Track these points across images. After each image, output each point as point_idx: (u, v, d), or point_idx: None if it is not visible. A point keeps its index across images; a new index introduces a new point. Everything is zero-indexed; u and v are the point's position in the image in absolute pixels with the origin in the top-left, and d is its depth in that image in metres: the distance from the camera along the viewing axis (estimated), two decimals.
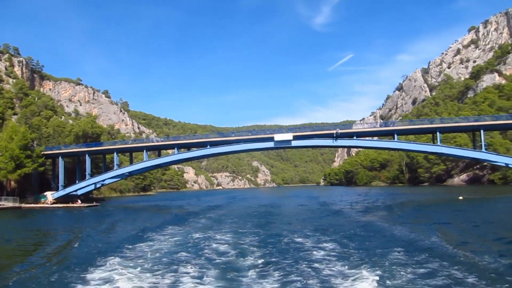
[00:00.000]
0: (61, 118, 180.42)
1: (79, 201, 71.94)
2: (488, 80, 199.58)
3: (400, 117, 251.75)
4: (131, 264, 17.93)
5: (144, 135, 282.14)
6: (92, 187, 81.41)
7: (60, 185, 79.05)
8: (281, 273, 15.92)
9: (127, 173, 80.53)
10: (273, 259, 18.37)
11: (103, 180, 79.42)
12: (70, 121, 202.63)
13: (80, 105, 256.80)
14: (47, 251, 23.60)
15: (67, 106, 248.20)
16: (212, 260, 18.48)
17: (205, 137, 78.53)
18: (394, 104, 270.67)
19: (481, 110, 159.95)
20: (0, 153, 73.22)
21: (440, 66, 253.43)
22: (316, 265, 16.96)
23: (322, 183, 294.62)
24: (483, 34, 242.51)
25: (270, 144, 70.90)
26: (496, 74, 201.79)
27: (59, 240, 28.99)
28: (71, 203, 71.40)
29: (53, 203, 74.14)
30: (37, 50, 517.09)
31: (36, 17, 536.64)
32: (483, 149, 62.23)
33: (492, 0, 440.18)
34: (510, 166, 64.70)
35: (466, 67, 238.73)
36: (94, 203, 75.10)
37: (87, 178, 78.16)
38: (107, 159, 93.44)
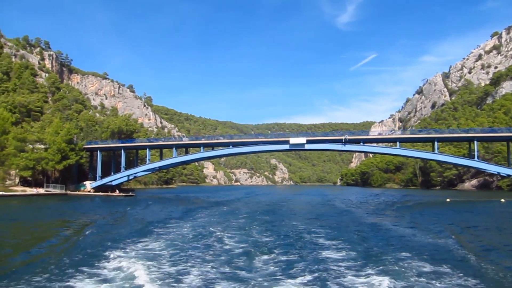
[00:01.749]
0: (89, 111, 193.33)
1: (117, 191, 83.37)
2: (508, 87, 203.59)
3: (419, 121, 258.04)
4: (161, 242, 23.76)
5: (166, 130, 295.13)
6: (126, 178, 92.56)
7: (97, 175, 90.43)
8: (281, 254, 20.14)
9: (157, 168, 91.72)
10: (275, 242, 26.55)
11: (136, 173, 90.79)
12: (97, 115, 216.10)
13: (106, 98, 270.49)
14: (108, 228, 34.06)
15: (93, 99, 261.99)
16: (228, 239, 28.43)
17: (228, 138, 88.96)
18: (414, 108, 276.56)
19: (495, 117, 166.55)
20: (48, 146, 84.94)
21: (461, 71, 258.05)
22: (309, 248, 26.64)
23: (338, 183, 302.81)
24: (506, 40, 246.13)
25: (286, 147, 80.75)
26: None
27: (110, 218, 39.43)
28: (110, 192, 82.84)
29: (91, 191, 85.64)
30: (63, 41, 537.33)
31: (62, 8, 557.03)
32: (476, 158, 70.95)
33: None
34: (501, 174, 73.08)
35: (487, 73, 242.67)
36: (130, 193, 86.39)
37: (122, 170, 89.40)
38: (138, 154, 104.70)
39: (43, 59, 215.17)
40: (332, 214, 42.80)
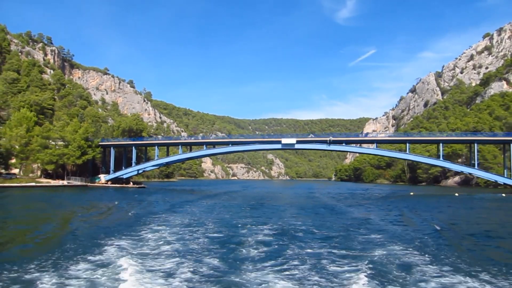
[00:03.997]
0: (92, 106, 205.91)
1: (131, 183, 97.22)
2: (496, 87, 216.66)
3: (412, 119, 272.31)
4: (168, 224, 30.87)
5: (165, 125, 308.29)
6: (135, 172, 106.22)
7: (111, 169, 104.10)
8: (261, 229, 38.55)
9: (165, 163, 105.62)
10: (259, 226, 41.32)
11: (145, 168, 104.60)
12: (100, 110, 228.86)
13: (107, 93, 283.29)
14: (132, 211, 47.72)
15: (94, 94, 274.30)
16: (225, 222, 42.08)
17: (228, 138, 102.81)
18: (407, 106, 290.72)
19: (480, 118, 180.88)
20: (68, 143, 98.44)
21: (453, 71, 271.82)
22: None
23: (333, 178, 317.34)
24: (497, 41, 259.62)
25: (278, 146, 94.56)
26: (504, 82, 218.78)
27: (125, 204, 53.08)
28: (125, 184, 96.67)
29: (108, 183, 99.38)
30: (62, 36, 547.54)
31: (60, 1, 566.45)
32: (441, 158, 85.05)
33: None
34: (464, 172, 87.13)
35: (478, 73, 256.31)
36: (142, 185, 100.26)
37: (133, 165, 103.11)
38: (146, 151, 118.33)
39: (45, 54, 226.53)
40: (308, 203, 56.71)
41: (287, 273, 16.19)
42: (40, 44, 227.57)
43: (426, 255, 19.46)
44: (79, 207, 43.96)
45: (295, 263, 17.75)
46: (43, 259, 17.82)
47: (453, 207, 50.60)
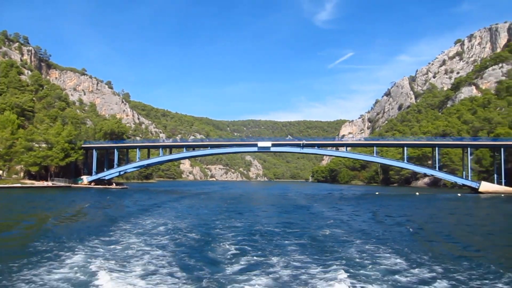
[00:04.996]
0: (71, 107, 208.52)
1: (114, 184, 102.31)
2: (466, 92, 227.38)
3: (386, 121, 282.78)
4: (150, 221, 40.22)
5: (143, 126, 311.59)
6: (117, 174, 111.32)
7: (93, 171, 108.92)
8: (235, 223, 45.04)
9: (146, 165, 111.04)
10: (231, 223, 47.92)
11: (127, 169, 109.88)
12: (78, 111, 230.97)
13: (84, 94, 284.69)
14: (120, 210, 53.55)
15: (71, 95, 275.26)
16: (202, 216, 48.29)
17: (207, 141, 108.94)
18: (382, 109, 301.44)
19: (449, 122, 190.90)
20: (51, 145, 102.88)
21: (426, 75, 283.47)
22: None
23: (310, 180, 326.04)
24: (468, 47, 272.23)
25: (255, 149, 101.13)
26: (473, 87, 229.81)
27: (119, 200, 58.85)
28: (108, 185, 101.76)
29: (91, 184, 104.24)
30: (39, 33, 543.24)
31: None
32: (405, 161, 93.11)
33: (494, 5, 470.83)
34: (427, 174, 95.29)
35: (450, 78, 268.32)
36: (125, 186, 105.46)
37: (115, 167, 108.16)
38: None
39: (22, 54, 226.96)
40: (281, 203, 63.41)
41: (259, 271, 16.73)
42: (17, 44, 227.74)
43: (372, 245, 23.02)
44: (66, 206, 49.48)
45: (269, 261, 18.53)
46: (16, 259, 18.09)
47: (408, 204, 57.82)
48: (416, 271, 16.91)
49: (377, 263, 18.24)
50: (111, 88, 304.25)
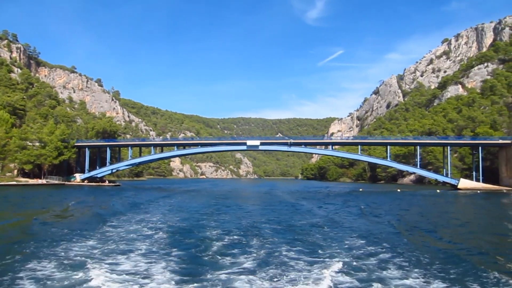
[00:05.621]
0: (61, 106, 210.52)
1: (107, 182, 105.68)
2: (453, 91, 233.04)
3: (375, 119, 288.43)
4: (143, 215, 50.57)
5: (133, 124, 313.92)
6: (109, 172, 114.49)
7: (86, 169, 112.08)
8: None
9: (138, 163, 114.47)
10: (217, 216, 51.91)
11: (119, 167, 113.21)
12: (68, 109, 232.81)
13: (74, 92, 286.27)
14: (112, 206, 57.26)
15: (61, 92, 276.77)
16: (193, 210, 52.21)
17: (198, 140, 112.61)
18: (370, 107, 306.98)
19: (435, 120, 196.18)
20: (45, 144, 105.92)
21: (414, 74, 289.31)
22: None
23: (300, 177, 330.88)
24: (455, 46, 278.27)
25: (244, 147, 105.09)
26: (460, 86, 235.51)
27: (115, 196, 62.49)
28: (101, 183, 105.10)
29: (85, 182, 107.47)
30: (28, 31, 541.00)
31: None
32: (388, 159, 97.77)
33: (482, 4, 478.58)
34: (409, 171, 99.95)
35: (437, 77, 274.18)
36: (117, 183, 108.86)
37: (107, 165, 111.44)
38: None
39: (11, 51, 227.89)
40: (267, 199, 67.51)
41: (245, 267, 17.21)
42: (5, 41, 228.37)
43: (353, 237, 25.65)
44: (67, 203, 53.10)
45: (255, 256, 19.18)
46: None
47: (387, 200, 62.13)
48: (383, 256, 19.25)
49: (351, 252, 20.41)
50: (101, 86, 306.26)
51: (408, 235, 26.97)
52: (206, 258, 18.95)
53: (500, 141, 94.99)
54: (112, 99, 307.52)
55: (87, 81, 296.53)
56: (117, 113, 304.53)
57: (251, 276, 15.76)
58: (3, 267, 16.66)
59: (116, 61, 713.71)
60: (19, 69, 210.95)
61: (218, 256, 19.16)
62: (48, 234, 24.90)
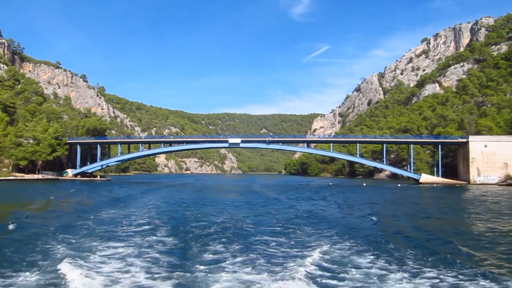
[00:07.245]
0: (48, 102, 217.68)
1: (98, 176, 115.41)
2: (430, 89, 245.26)
3: (356, 116, 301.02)
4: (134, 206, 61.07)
5: (118, 120, 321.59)
6: (99, 167, 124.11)
7: (77, 165, 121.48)
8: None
9: (127, 159, 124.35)
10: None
11: (109, 163, 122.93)
12: (54, 105, 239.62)
13: (59, 87, 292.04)
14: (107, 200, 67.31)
15: (45, 88, 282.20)
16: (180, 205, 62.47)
17: (184, 138, 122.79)
18: (352, 104, 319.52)
19: (411, 118, 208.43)
20: (39, 141, 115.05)
21: (394, 72, 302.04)
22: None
23: (283, 172, 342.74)
24: (433, 45, 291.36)
25: (226, 145, 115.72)
26: (437, 85, 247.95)
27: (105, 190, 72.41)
28: (92, 178, 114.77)
29: (77, 177, 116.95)
30: (11, 25, 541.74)
31: None
32: (358, 156, 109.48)
33: (466, 2, 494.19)
34: (377, 167, 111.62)
35: (416, 75, 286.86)
36: (108, 178, 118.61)
37: (98, 161, 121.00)
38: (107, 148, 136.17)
39: None
40: (247, 192, 78.15)
41: (225, 259, 17.82)
42: None
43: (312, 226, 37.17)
44: (72, 195, 62.99)
45: (234, 248, 20.08)
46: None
47: (350, 193, 73.03)
48: (345, 244, 21.61)
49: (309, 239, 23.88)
50: (86, 81, 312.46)
51: (364, 220, 32.09)
52: (186, 252, 19.31)
53: (458, 140, 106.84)
54: (97, 95, 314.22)
55: (72, 77, 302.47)
56: (102, 109, 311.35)
57: (230, 268, 16.42)
58: None
59: (100, 55, 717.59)
60: (5, 66, 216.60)
61: (196, 250, 19.63)
62: (54, 218, 31.00)
